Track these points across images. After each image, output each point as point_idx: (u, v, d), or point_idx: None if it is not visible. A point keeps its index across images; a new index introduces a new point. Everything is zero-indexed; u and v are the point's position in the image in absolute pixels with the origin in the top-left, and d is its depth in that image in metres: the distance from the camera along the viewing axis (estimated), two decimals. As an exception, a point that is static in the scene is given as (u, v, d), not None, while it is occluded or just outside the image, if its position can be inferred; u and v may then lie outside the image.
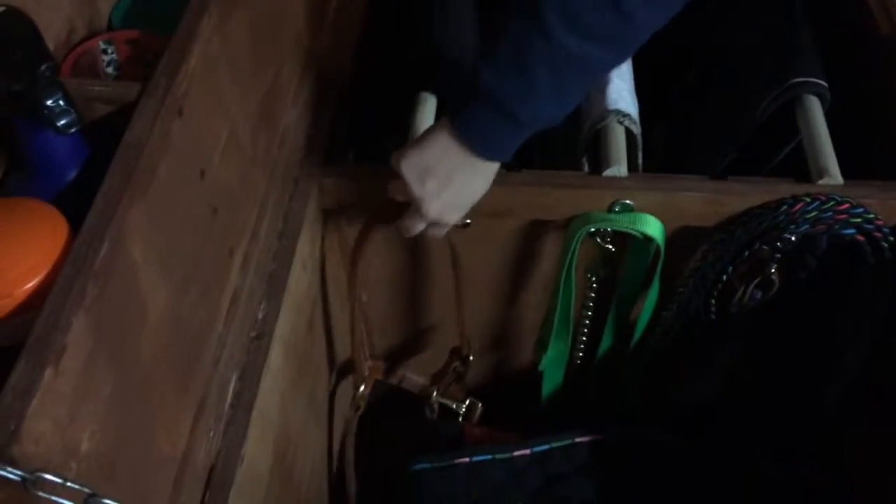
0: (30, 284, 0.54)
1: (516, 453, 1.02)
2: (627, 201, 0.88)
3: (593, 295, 0.99)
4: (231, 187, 0.74)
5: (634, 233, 0.89)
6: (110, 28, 0.89)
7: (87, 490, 0.46)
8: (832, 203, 0.85)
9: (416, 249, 1.01)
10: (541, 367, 1.06)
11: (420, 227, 0.81)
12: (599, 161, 0.91)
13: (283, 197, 0.88)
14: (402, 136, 0.90)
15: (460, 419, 1.08)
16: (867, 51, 1.04)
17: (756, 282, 0.91)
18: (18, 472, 0.43)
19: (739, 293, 0.93)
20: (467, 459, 1.01)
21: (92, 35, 0.85)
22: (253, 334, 0.79)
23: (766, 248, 0.87)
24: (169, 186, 0.61)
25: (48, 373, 0.47)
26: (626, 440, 1.04)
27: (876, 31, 1.01)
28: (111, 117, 0.69)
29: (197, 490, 0.69)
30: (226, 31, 0.70)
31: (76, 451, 0.50)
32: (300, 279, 0.90)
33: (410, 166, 0.76)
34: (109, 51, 0.84)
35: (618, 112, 0.92)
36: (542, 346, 1.04)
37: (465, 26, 0.99)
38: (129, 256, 0.56)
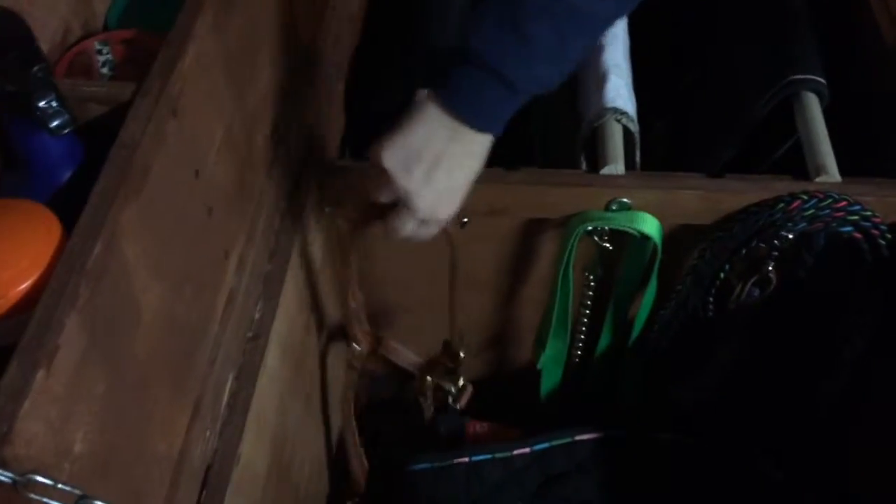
0: (23, 286, 0.54)
1: (516, 452, 1.02)
2: (625, 199, 0.87)
3: (591, 293, 0.99)
4: (226, 187, 0.74)
5: (632, 231, 0.88)
6: (106, 28, 0.89)
7: (77, 492, 0.46)
8: (829, 200, 0.84)
9: (413, 248, 1.01)
10: (539, 366, 1.06)
11: (409, 226, 0.73)
12: (597, 159, 0.90)
13: (279, 196, 0.88)
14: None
15: (450, 400, 1.05)
16: (865, 47, 1.04)
17: (754, 279, 0.91)
18: (9, 475, 0.43)
19: (737, 291, 0.92)
20: (467, 459, 1.01)
21: (87, 35, 0.85)
22: (249, 335, 0.80)
23: (763, 245, 0.87)
24: (163, 186, 0.61)
25: (40, 374, 0.46)
26: (626, 438, 1.04)
27: (875, 28, 1.01)
28: (105, 118, 0.68)
29: (193, 490, 0.69)
30: (221, 30, 0.70)
31: (69, 452, 0.50)
32: (297, 279, 0.90)
33: (394, 155, 0.68)
34: (105, 51, 0.84)
35: (615, 110, 0.92)
36: (540, 344, 1.04)
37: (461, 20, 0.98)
38: (123, 256, 0.56)
